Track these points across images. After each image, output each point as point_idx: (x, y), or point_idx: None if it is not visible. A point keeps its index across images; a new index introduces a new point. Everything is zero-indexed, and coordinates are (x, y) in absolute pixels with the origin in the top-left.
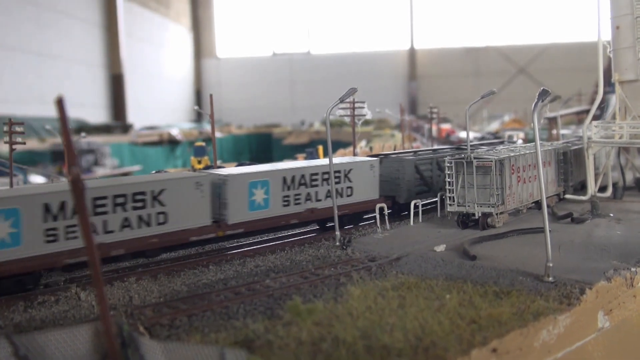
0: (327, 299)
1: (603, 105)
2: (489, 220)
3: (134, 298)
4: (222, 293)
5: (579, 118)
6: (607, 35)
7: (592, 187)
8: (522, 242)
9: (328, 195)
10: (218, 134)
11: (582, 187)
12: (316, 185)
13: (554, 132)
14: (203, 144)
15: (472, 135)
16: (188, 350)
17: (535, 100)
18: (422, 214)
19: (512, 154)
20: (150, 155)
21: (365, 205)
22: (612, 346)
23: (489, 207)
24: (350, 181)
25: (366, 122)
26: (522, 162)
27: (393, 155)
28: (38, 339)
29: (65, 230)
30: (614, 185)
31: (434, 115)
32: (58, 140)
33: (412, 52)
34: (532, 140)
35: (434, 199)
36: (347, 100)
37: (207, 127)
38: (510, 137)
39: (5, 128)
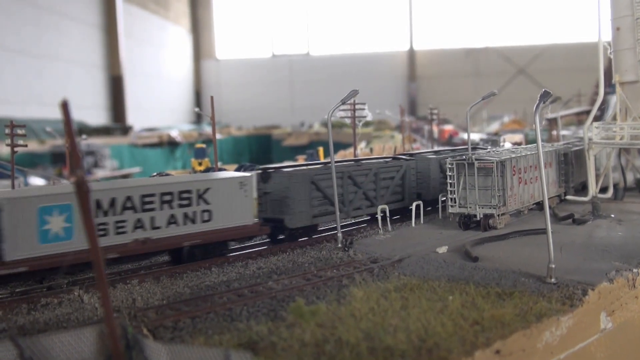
0: (330, 301)
1: (603, 106)
2: (490, 221)
3: (137, 300)
4: (225, 295)
5: (578, 119)
6: (607, 36)
7: (593, 188)
8: (524, 243)
9: (172, 221)
10: (218, 136)
11: (582, 188)
12: (152, 209)
13: (554, 133)
14: (204, 145)
15: (476, 136)
16: (193, 353)
17: (537, 101)
18: (423, 215)
19: (513, 155)
20: (150, 156)
21: (232, 232)
22: (615, 347)
23: (490, 208)
24: (207, 203)
25: (366, 124)
26: (524, 163)
27: (286, 169)
28: (43, 342)
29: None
30: (615, 186)
31: (434, 117)
32: (58, 142)
33: (411, 53)
34: (533, 141)
35: (349, 220)
36: (348, 102)
37: (207, 129)
38: (494, 142)
39: (7, 130)
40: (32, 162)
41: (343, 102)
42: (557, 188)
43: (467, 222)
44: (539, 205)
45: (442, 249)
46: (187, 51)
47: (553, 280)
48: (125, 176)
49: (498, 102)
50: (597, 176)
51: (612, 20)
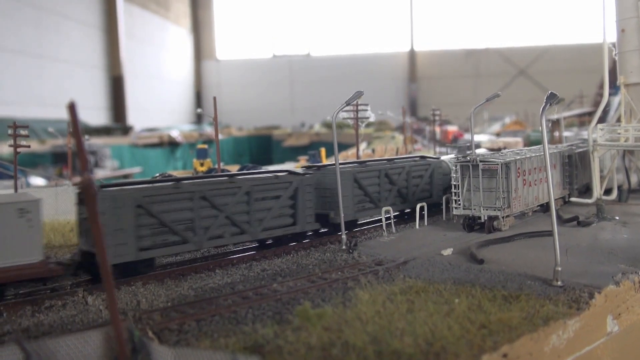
0: (336, 304)
1: (607, 108)
2: (495, 223)
3: (141, 302)
4: (230, 297)
5: (580, 120)
6: (610, 37)
7: (597, 190)
8: (529, 245)
9: None
10: (219, 136)
11: (586, 190)
12: None
13: (557, 134)
14: (206, 146)
15: (483, 138)
16: (199, 356)
17: (543, 103)
18: (427, 217)
19: (518, 157)
20: (151, 157)
21: (3, 275)
22: (621, 350)
23: (495, 210)
24: None
25: (367, 124)
26: (528, 165)
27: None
28: (49, 345)
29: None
30: (619, 188)
31: (436, 118)
32: (59, 142)
33: (412, 54)
34: (535, 142)
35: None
36: (352, 103)
37: (207, 129)
38: (461, 149)
39: (10, 131)
40: (32, 162)
41: (348, 104)
42: (562, 190)
43: (472, 224)
44: (543, 208)
45: (447, 251)
46: (188, 51)
47: (559, 283)
48: (126, 176)
49: (499, 103)
50: (602, 178)
51: (617, 21)
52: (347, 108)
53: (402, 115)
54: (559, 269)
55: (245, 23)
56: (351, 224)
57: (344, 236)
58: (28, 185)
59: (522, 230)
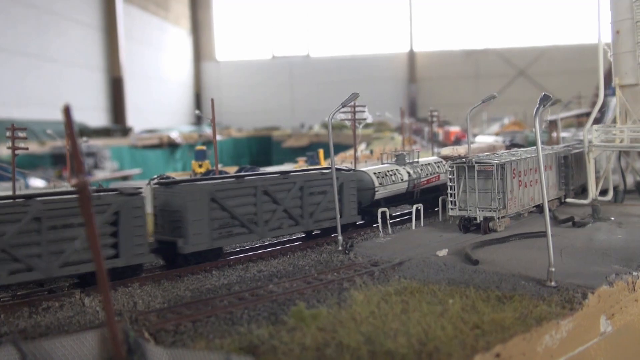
0: (331, 304)
1: (604, 109)
2: (490, 224)
3: (138, 304)
4: (226, 298)
5: (578, 121)
6: (606, 38)
7: (593, 191)
8: (524, 246)
9: None
10: (218, 137)
11: (582, 191)
12: None
13: (554, 134)
14: (204, 147)
15: (490, 139)
16: (194, 357)
17: (537, 105)
18: (423, 217)
19: (513, 158)
20: (150, 158)
21: None
22: (615, 351)
23: (490, 211)
24: None
25: (366, 125)
26: (524, 166)
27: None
28: (45, 346)
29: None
30: (615, 188)
31: (435, 119)
32: (58, 143)
33: (411, 55)
34: (533, 143)
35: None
36: (349, 104)
37: (207, 130)
38: (399, 157)
39: (8, 133)
40: (32, 163)
41: (344, 105)
42: (557, 191)
43: (467, 224)
44: (539, 208)
45: (443, 252)
46: (187, 53)
47: (553, 283)
48: (125, 178)
49: (498, 104)
50: (597, 179)
51: (612, 23)
52: (345, 109)
53: (401, 116)
54: (553, 269)
55: (244, 24)
56: (211, 254)
57: (340, 237)
58: (27, 186)
59: (518, 231)
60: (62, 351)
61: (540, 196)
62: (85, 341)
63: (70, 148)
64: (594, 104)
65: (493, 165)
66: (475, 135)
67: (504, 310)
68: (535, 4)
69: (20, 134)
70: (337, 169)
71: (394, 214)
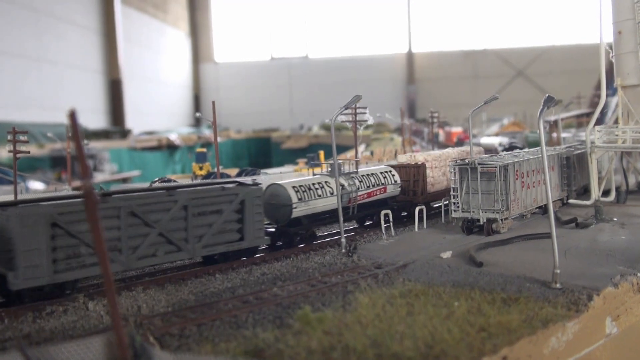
0: (336, 308)
1: (605, 110)
2: (493, 225)
3: (142, 307)
4: (230, 302)
5: (578, 121)
6: (607, 38)
7: (595, 192)
8: (528, 247)
9: None
10: (217, 139)
11: (584, 192)
12: None
13: (554, 135)
14: (204, 150)
15: (496, 140)
16: None
17: (541, 107)
18: (426, 219)
19: (516, 160)
20: (149, 160)
21: None
22: (620, 352)
23: (493, 212)
24: None
25: (365, 126)
26: (526, 167)
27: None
28: (50, 351)
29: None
30: (617, 189)
31: (434, 120)
32: (57, 145)
33: (410, 56)
34: (533, 144)
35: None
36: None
37: (206, 132)
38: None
39: (10, 137)
40: (31, 166)
41: (346, 108)
42: (560, 192)
43: (470, 226)
44: (542, 209)
45: (446, 254)
46: (186, 54)
47: (558, 285)
48: (125, 180)
49: (496, 104)
50: (600, 179)
51: (614, 23)
52: (346, 111)
53: (401, 117)
54: (558, 271)
55: (243, 25)
56: (57, 290)
57: (343, 239)
58: (27, 190)
59: (521, 232)
60: (68, 356)
61: (543, 197)
62: (91, 346)
63: (75, 152)
64: (594, 104)
65: (496, 167)
66: (474, 136)
67: (509, 313)
68: (533, 5)
69: (22, 138)
70: (240, 183)
71: (321, 234)
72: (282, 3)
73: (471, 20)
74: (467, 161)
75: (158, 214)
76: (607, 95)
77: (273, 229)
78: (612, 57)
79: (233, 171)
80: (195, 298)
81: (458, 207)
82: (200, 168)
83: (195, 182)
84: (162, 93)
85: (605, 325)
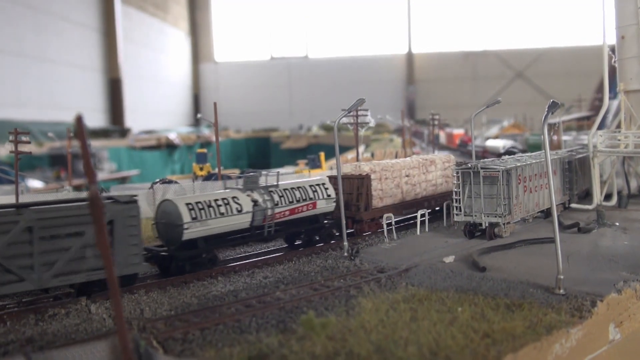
0: (339, 312)
1: (606, 114)
2: (496, 230)
3: (145, 311)
4: (233, 305)
5: (578, 124)
6: (609, 42)
7: (597, 196)
8: (531, 252)
9: None
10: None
11: (586, 196)
12: None
13: (555, 138)
14: (205, 150)
15: (501, 144)
16: None
17: (545, 112)
18: (428, 223)
19: (519, 164)
20: (148, 159)
21: None
22: (623, 358)
23: (496, 217)
24: None
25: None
26: (529, 171)
27: None
28: (54, 355)
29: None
30: (619, 193)
31: (435, 121)
32: (56, 144)
33: (409, 56)
34: (533, 146)
35: None
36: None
37: (205, 132)
38: (250, 181)
39: (11, 137)
40: (30, 164)
41: (349, 111)
42: (562, 196)
43: (473, 230)
44: (544, 214)
45: (449, 259)
46: (186, 54)
47: (562, 291)
48: (123, 179)
49: (497, 106)
50: (601, 184)
51: (617, 28)
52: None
53: (401, 118)
54: (561, 277)
55: (243, 25)
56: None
57: (345, 243)
58: (27, 188)
59: (523, 237)
60: None
61: (545, 201)
62: (95, 350)
63: (81, 156)
64: (595, 107)
65: (499, 171)
66: (477, 139)
67: (513, 319)
68: (533, 6)
69: (24, 138)
70: (109, 198)
71: (226, 258)
72: (282, 3)
73: (471, 21)
74: (470, 165)
75: None
76: (609, 99)
77: (165, 253)
78: (614, 61)
79: (233, 171)
80: (198, 301)
81: (460, 211)
82: (201, 169)
83: (49, 199)
84: (162, 92)
85: (608, 332)
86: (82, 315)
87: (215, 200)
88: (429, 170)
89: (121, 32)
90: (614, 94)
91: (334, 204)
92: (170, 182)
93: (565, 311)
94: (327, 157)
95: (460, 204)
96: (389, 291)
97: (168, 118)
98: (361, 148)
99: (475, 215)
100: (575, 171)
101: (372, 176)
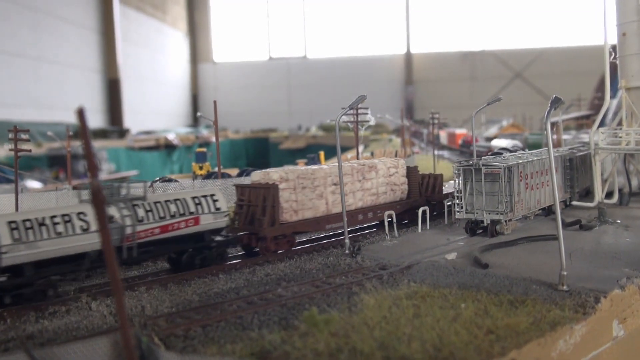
0: (342, 309)
1: (606, 113)
2: (497, 227)
3: (146, 308)
4: (235, 302)
5: (578, 123)
6: (606, 40)
7: (599, 194)
8: (533, 249)
9: None
10: (215, 138)
11: (587, 193)
12: None
13: (555, 137)
14: (204, 150)
15: (505, 143)
16: None
17: (548, 108)
18: (429, 220)
19: (520, 161)
20: (147, 160)
21: None
22: (627, 355)
23: (497, 214)
24: None
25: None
26: (530, 169)
27: None
28: (56, 352)
29: None
30: (620, 191)
31: (435, 121)
32: (54, 144)
33: (408, 56)
34: (533, 145)
35: None
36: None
37: (204, 132)
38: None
39: (11, 135)
40: (28, 164)
41: (350, 108)
42: (563, 193)
43: (474, 227)
44: (545, 211)
45: (451, 256)
46: (184, 54)
47: (565, 287)
48: (122, 179)
49: (495, 106)
50: (603, 181)
51: (618, 25)
52: (348, 111)
53: (401, 118)
54: (565, 273)
55: (241, 25)
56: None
57: (347, 240)
58: (26, 188)
59: (525, 234)
60: (74, 357)
61: (547, 199)
62: (97, 347)
63: (83, 151)
64: (594, 106)
65: (500, 168)
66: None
67: (517, 315)
68: (531, 6)
69: (23, 137)
70: None
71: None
72: (280, 3)
73: (469, 22)
74: (471, 162)
75: None
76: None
77: None
78: (612, 58)
79: (233, 171)
80: (199, 299)
81: (462, 208)
82: (200, 168)
83: None
84: (160, 93)
85: (612, 328)
86: (82, 312)
87: (52, 217)
88: (367, 177)
89: (120, 33)
90: (613, 92)
91: (227, 219)
92: (170, 180)
93: (569, 307)
94: (327, 157)
95: (462, 201)
96: (391, 288)
97: (167, 118)
98: (360, 148)
99: (477, 213)
100: (576, 169)
101: (283, 185)
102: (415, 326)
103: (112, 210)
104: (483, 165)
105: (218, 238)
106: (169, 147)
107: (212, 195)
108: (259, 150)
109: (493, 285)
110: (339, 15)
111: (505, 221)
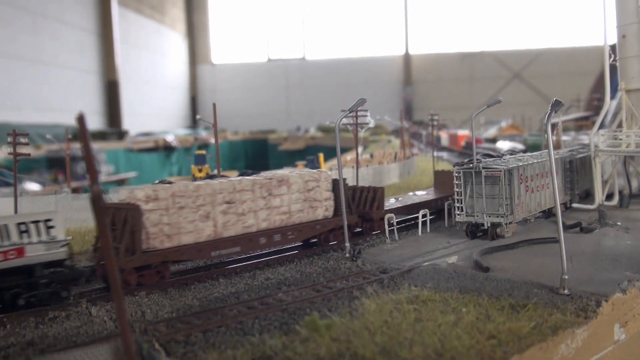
0: (343, 314)
1: (605, 114)
2: (498, 230)
3: (146, 313)
4: (236, 307)
5: (577, 124)
6: (606, 41)
7: (599, 196)
8: (533, 252)
9: None
10: (214, 140)
11: (587, 196)
12: None
13: (554, 138)
14: (204, 152)
15: (508, 145)
16: None
17: (548, 111)
18: (429, 223)
19: (520, 164)
20: (146, 161)
21: None
22: (629, 358)
23: (498, 217)
24: None
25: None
26: (530, 171)
27: None
28: (56, 359)
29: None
30: (620, 193)
31: (434, 122)
32: (53, 147)
33: (407, 58)
34: (532, 146)
35: None
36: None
37: (203, 134)
38: None
39: (10, 139)
40: (27, 167)
41: (351, 111)
42: (563, 196)
43: (475, 230)
44: (545, 214)
45: (452, 259)
46: (183, 56)
47: (566, 291)
48: (121, 181)
49: (494, 107)
50: (603, 183)
51: (618, 27)
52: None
53: (400, 119)
54: (566, 277)
55: (240, 27)
56: None
57: (347, 244)
58: (25, 192)
59: (525, 237)
60: None
61: (547, 201)
62: (98, 354)
63: (83, 156)
64: (592, 107)
65: (500, 171)
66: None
67: (518, 319)
68: (530, 7)
69: (22, 140)
70: None
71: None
72: (279, 4)
73: (468, 23)
74: (471, 165)
75: None
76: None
77: None
78: (612, 60)
79: (232, 173)
80: (200, 303)
81: (462, 211)
82: (200, 170)
83: None
84: (159, 94)
85: (613, 332)
86: (82, 318)
87: None
88: (276, 193)
89: (118, 35)
90: (612, 93)
91: (65, 249)
92: (169, 183)
93: (571, 311)
94: (326, 158)
95: (462, 204)
96: (392, 292)
97: (165, 120)
98: (359, 149)
99: (477, 216)
100: (576, 171)
101: (150, 206)
102: (416, 331)
103: None
104: (483, 168)
105: (57, 271)
106: (168, 148)
107: (46, 220)
108: (258, 152)
109: (494, 289)
110: (337, 17)
111: (506, 224)
